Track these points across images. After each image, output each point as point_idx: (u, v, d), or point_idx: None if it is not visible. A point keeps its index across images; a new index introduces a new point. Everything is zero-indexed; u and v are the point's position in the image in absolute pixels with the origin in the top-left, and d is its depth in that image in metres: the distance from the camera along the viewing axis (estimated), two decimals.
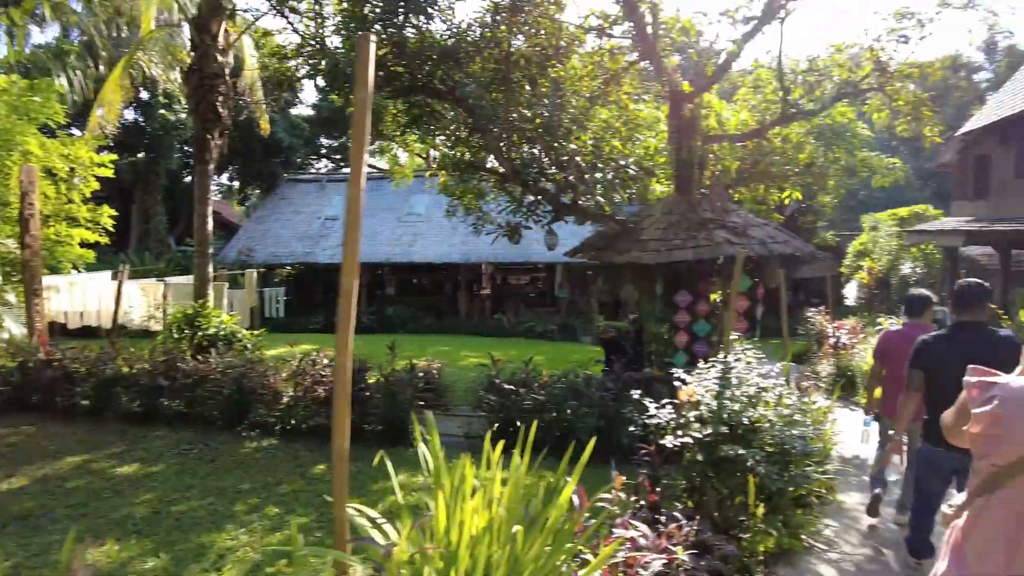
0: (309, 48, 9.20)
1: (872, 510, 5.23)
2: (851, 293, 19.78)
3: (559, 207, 9.49)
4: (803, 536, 4.80)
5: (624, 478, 3.52)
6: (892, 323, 8.08)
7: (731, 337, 4.97)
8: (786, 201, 11.65)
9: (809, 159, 10.52)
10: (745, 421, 4.15)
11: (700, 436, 4.06)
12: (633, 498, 3.77)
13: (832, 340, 10.94)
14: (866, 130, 11.91)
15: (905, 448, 4.48)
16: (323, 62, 8.88)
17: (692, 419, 4.22)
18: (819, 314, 12.63)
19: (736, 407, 4.16)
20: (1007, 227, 13.24)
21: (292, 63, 9.72)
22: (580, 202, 9.30)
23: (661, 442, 4.08)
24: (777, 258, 7.76)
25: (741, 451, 3.97)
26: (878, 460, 5.43)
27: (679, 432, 4.12)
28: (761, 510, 4.37)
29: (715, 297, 8.34)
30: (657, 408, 4.32)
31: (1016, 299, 12.71)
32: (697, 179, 8.63)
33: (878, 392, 5.36)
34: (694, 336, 8.11)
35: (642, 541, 3.28)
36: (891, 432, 4.71)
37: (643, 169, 10.26)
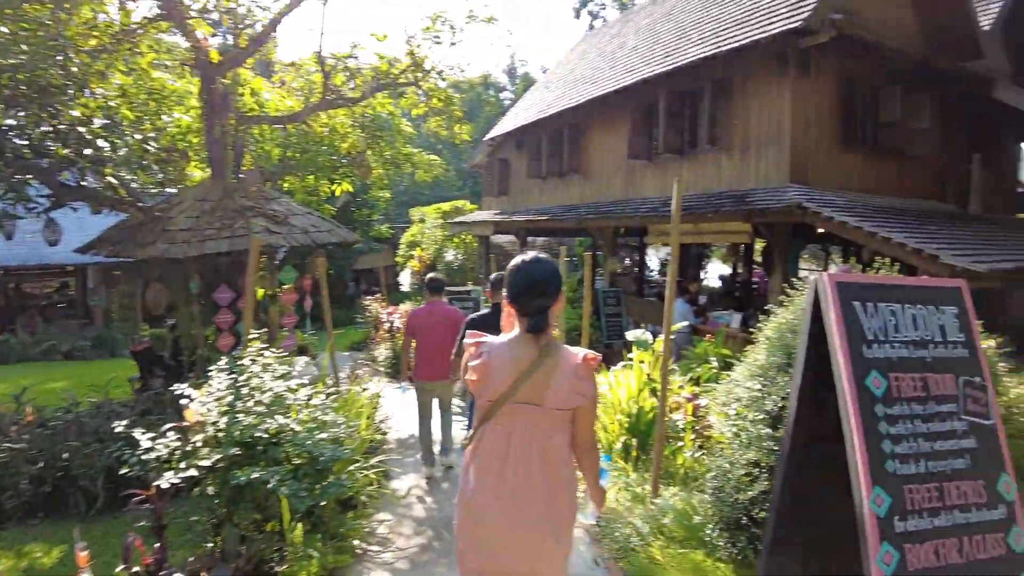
0: None
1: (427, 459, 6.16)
2: (406, 280, 21.15)
3: (60, 190, 7.50)
4: (355, 543, 4.48)
5: (87, 551, 2.56)
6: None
7: (249, 337, 4.32)
8: (338, 192, 11.54)
9: (352, 149, 10.53)
10: (263, 435, 3.53)
11: (210, 464, 3.30)
12: (122, 567, 2.83)
13: (387, 325, 11.22)
14: (409, 127, 12.54)
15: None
16: None
17: (200, 444, 3.43)
18: (375, 301, 12.93)
19: (251, 420, 3.51)
20: (522, 218, 15.60)
21: None
22: (86, 183, 7.51)
23: (157, 482, 3.19)
24: (321, 247, 7.42)
25: (258, 473, 3.33)
26: (425, 437, 6.16)
27: (183, 464, 3.29)
28: (299, 532, 3.85)
29: (262, 293, 7.60)
30: (153, 438, 3.40)
31: None
32: (233, 162, 7.76)
33: (411, 365, 6.14)
34: (240, 337, 7.25)
35: None
36: (427, 390, 5.97)
37: (175, 149, 8.85)
